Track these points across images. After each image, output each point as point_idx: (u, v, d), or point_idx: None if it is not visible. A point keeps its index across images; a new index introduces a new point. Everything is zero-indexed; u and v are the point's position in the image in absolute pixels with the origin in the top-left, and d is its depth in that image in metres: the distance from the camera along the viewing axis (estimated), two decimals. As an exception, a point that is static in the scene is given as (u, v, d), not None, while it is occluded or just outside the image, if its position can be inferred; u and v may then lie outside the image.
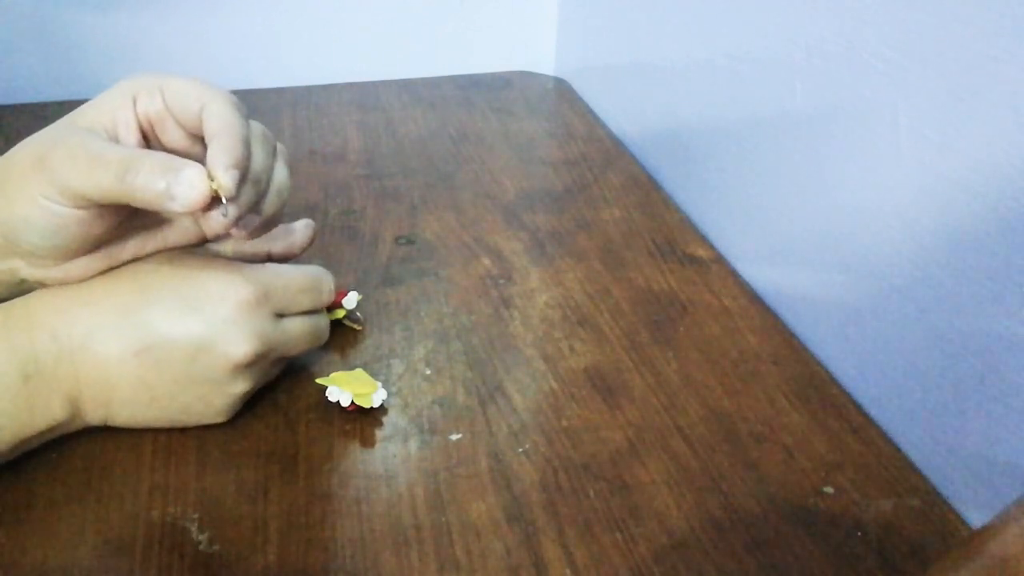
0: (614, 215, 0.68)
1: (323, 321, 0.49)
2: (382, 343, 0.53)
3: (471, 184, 0.72)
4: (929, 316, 0.46)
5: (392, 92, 0.89)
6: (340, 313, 0.54)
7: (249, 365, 0.44)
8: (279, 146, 0.44)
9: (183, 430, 0.46)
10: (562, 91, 0.92)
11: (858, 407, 0.50)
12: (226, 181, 0.37)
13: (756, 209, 0.61)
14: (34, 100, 0.84)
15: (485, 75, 0.94)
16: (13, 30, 0.82)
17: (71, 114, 0.42)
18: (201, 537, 0.41)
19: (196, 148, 0.43)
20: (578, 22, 0.91)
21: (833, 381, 0.52)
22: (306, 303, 0.47)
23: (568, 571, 0.40)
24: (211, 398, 0.44)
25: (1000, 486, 0.43)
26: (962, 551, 0.27)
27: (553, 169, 0.75)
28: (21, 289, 0.43)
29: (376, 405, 0.47)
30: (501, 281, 0.60)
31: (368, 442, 0.46)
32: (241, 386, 0.44)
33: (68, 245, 0.41)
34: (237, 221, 0.39)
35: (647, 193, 0.71)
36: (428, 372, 0.51)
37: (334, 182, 0.71)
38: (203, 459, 0.45)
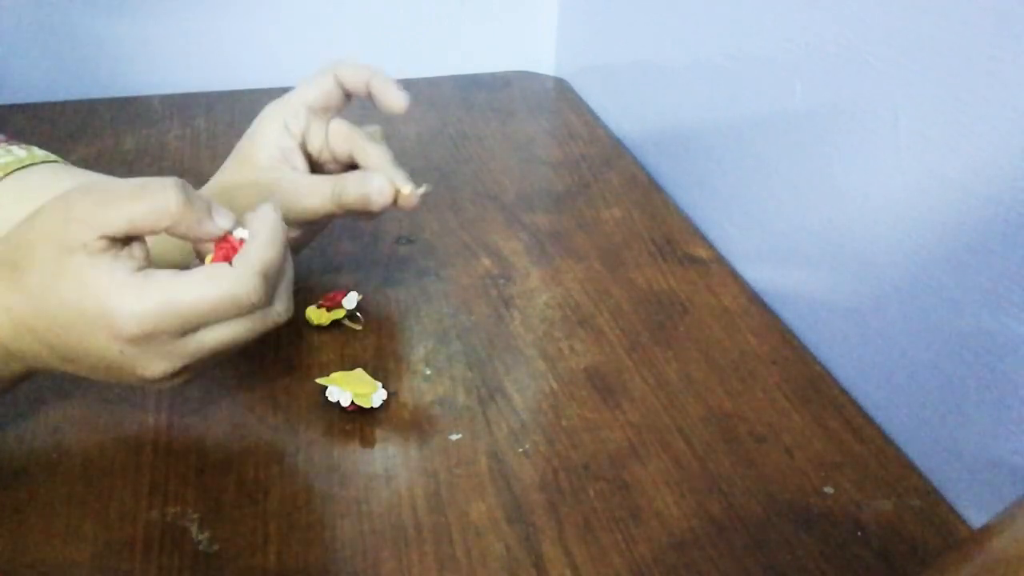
0: (614, 215, 0.68)
1: (250, 324, 0.41)
2: (382, 343, 0.53)
3: (471, 184, 0.72)
4: (929, 316, 0.46)
5: (392, 92, 0.89)
6: (340, 313, 0.54)
7: (171, 376, 0.41)
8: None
9: (183, 430, 0.46)
10: (562, 91, 0.92)
11: (858, 407, 0.50)
12: (408, 185, 0.52)
13: (756, 209, 0.61)
14: (34, 100, 0.84)
15: (485, 75, 0.94)
16: (13, 30, 0.82)
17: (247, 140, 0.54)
18: (201, 537, 0.41)
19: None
20: (578, 22, 0.91)
21: (833, 381, 0.52)
22: (224, 316, 0.40)
23: (568, 571, 0.40)
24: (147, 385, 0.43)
25: (1000, 486, 0.43)
26: (962, 551, 0.27)
27: (553, 169, 0.75)
28: None
29: (376, 405, 0.47)
30: (501, 281, 0.60)
31: (368, 442, 0.46)
32: (176, 381, 0.42)
33: None
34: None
35: (647, 193, 0.71)
36: (428, 372, 0.51)
37: (334, 182, 0.71)
38: (203, 459, 0.45)
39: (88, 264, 0.38)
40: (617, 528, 0.42)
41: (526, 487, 0.44)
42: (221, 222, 0.41)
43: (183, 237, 0.41)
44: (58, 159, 0.54)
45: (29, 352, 0.40)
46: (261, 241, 0.41)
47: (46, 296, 0.38)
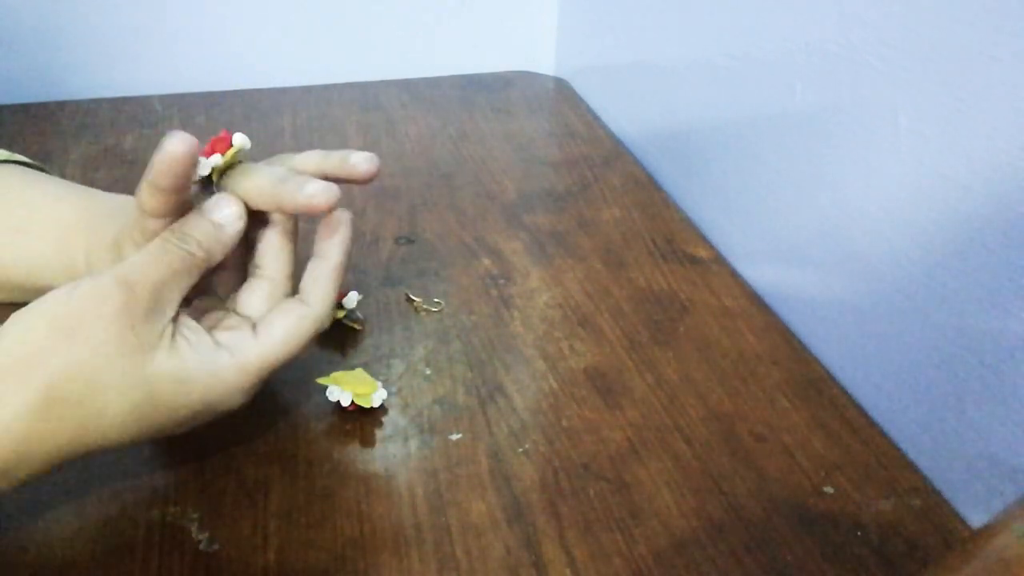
0: (614, 215, 0.68)
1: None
2: (382, 343, 0.53)
3: (471, 184, 0.72)
4: (929, 316, 0.46)
5: (392, 92, 0.89)
6: (340, 313, 0.54)
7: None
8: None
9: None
10: (562, 91, 0.92)
11: (858, 407, 0.50)
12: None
13: (756, 209, 0.61)
14: (34, 100, 0.84)
15: (485, 75, 0.94)
16: (12, 30, 0.82)
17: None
18: (201, 537, 0.41)
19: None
20: (578, 22, 0.91)
21: (833, 381, 0.52)
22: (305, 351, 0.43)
23: (568, 571, 0.40)
24: None
25: (1000, 486, 0.43)
26: (962, 551, 0.27)
27: (553, 169, 0.75)
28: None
29: (376, 405, 0.47)
30: (501, 281, 0.60)
31: (368, 442, 0.46)
32: None
33: None
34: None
35: (647, 193, 0.71)
36: (428, 372, 0.51)
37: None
38: (203, 459, 0.45)
39: (173, 362, 0.38)
40: (617, 528, 0.42)
41: (526, 487, 0.44)
42: (224, 211, 0.41)
43: (222, 256, 0.41)
44: (12, 155, 0.51)
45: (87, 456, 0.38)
46: (335, 265, 0.43)
47: (137, 410, 0.37)
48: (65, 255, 0.47)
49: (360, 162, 0.44)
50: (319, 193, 0.40)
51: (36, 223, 0.48)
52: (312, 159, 0.44)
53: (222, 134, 0.43)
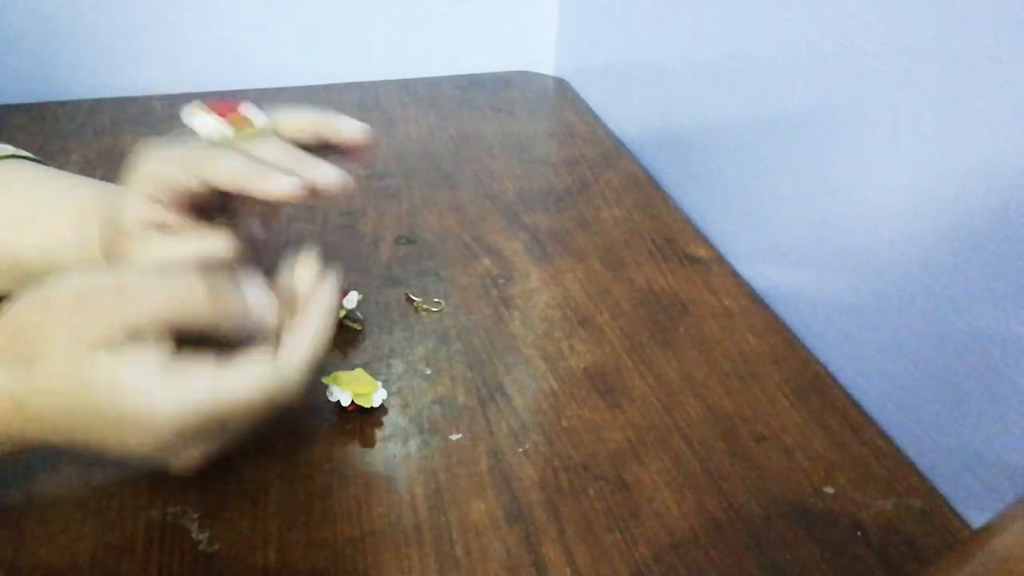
0: (614, 215, 0.68)
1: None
2: (382, 343, 0.53)
3: (471, 184, 0.72)
4: (929, 316, 0.46)
5: (392, 92, 0.89)
6: (340, 313, 0.54)
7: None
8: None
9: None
10: (562, 91, 0.92)
11: (858, 407, 0.50)
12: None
13: (756, 209, 0.61)
14: (34, 100, 0.84)
15: (485, 75, 0.94)
16: (12, 30, 0.82)
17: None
18: (201, 537, 0.41)
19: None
20: (578, 22, 0.91)
21: (833, 381, 0.52)
22: (264, 411, 0.39)
23: (568, 571, 0.40)
24: None
25: (1000, 486, 0.43)
26: (962, 551, 0.27)
27: (553, 169, 0.75)
28: None
29: (376, 405, 0.47)
30: (501, 281, 0.60)
31: (368, 442, 0.46)
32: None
33: None
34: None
35: (647, 193, 0.71)
36: (428, 372, 0.51)
37: (334, 182, 0.71)
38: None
39: (115, 364, 0.35)
40: (617, 528, 0.42)
41: (526, 487, 0.44)
42: (253, 298, 0.38)
43: (219, 326, 0.38)
44: (18, 151, 0.52)
45: (41, 440, 0.37)
46: (314, 330, 0.39)
47: (71, 396, 0.35)
48: (83, 230, 0.46)
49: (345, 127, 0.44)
50: (286, 183, 0.40)
51: (51, 208, 0.48)
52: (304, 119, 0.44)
53: (238, 107, 0.43)
